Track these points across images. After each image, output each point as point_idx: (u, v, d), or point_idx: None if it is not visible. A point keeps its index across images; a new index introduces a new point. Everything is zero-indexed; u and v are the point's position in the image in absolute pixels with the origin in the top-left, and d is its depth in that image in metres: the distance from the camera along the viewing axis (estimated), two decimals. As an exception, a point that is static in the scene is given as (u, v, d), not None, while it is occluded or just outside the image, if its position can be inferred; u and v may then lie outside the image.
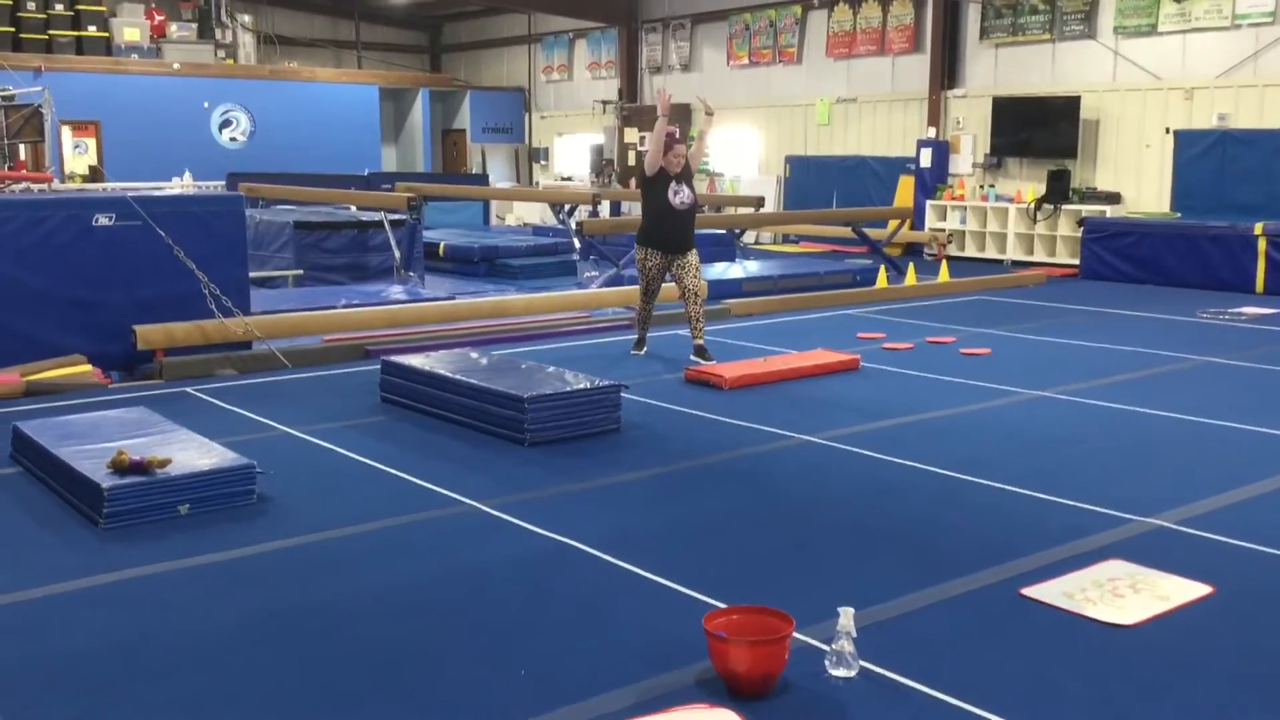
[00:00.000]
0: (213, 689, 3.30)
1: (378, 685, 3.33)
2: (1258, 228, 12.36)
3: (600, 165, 22.07)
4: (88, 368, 7.57)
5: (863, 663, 3.35)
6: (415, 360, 6.99)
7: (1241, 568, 4.23)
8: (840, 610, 3.36)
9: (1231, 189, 13.65)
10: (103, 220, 7.86)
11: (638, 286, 8.58)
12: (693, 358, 8.12)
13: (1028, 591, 3.96)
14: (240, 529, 4.68)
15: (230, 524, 4.74)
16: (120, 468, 4.81)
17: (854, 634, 3.34)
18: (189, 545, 4.48)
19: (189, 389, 7.45)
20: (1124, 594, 3.93)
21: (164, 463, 4.88)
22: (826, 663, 3.35)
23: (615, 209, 19.40)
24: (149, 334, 7.78)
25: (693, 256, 8.26)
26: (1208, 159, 13.90)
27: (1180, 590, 3.96)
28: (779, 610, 3.43)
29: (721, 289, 11.26)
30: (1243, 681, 3.33)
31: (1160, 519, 4.76)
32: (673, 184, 8.10)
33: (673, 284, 8.42)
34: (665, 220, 8.15)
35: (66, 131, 18.86)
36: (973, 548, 4.43)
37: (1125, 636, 3.62)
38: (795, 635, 3.38)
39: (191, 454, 5.11)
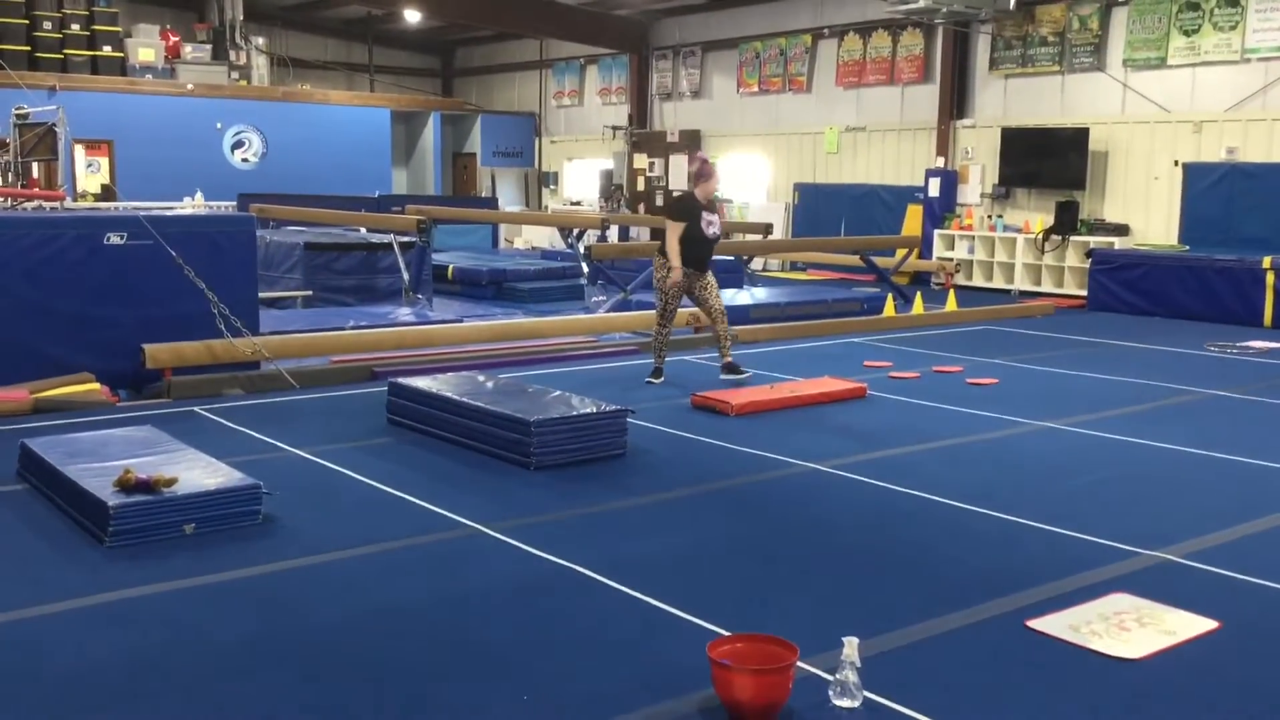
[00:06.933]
0: (213, 709, 3.30)
1: (378, 708, 3.32)
2: (1266, 261, 12.34)
3: (609, 190, 22.15)
4: (96, 386, 7.59)
5: (867, 693, 3.33)
6: (422, 382, 7.00)
7: (1248, 603, 4.21)
8: (845, 640, 3.35)
9: (1240, 222, 13.65)
10: (114, 239, 7.90)
11: (645, 312, 8.64)
12: (723, 376, 8.30)
13: (1033, 624, 3.94)
14: (245, 549, 4.68)
15: (235, 544, 4.74)
16: (126, 486, 4.82)
17: (858, 664, 3.33)
18: (193, 565, 4.49)
19: (196, 408, 7.47)
20: (1130, 628, 3.91)
21: (170, 482, 4.89)
22: (830, 693, 3.34)
23: (624, 234, 19.49)
24: (158, 353, 7.81)
25: (711, 276, 8.49)
26: (1216, 192, 13.90)
27: (1186, 625, 3.95)
28: (783, 639, 3.42)
29: (729, 315, 11.19)
30: (1248, 718, 3.31)
31: (1167, 553, 4.75)
32: (704, 214, 8.30)
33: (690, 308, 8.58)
34: (694, 245, 8.32)
35: (80, 150, 18.97)
36: (978, 579, 4.41)
37: (1130, 670, 3.60)
38: (799, 664, 3.38)
39: (198, 473, 5.12)
